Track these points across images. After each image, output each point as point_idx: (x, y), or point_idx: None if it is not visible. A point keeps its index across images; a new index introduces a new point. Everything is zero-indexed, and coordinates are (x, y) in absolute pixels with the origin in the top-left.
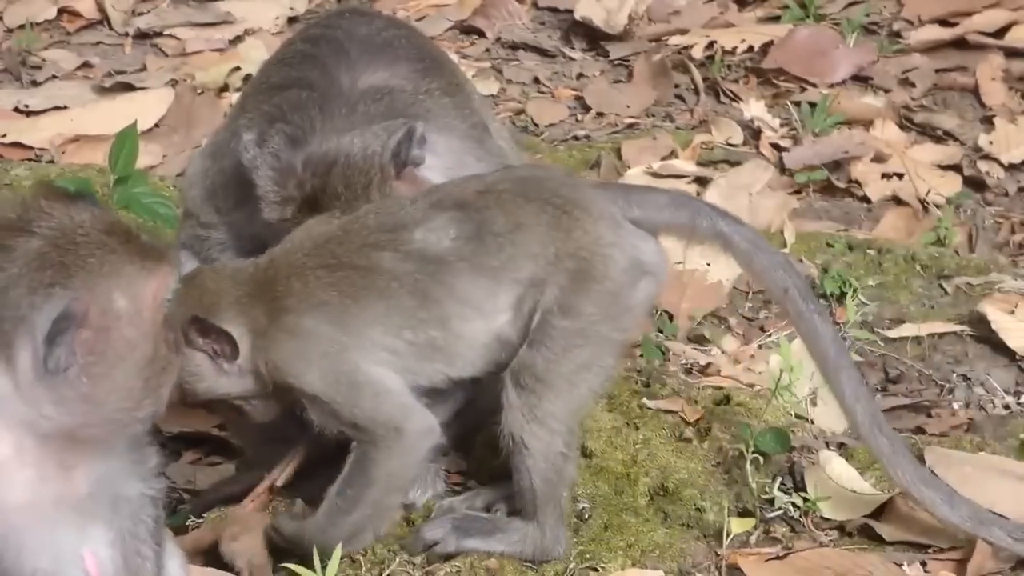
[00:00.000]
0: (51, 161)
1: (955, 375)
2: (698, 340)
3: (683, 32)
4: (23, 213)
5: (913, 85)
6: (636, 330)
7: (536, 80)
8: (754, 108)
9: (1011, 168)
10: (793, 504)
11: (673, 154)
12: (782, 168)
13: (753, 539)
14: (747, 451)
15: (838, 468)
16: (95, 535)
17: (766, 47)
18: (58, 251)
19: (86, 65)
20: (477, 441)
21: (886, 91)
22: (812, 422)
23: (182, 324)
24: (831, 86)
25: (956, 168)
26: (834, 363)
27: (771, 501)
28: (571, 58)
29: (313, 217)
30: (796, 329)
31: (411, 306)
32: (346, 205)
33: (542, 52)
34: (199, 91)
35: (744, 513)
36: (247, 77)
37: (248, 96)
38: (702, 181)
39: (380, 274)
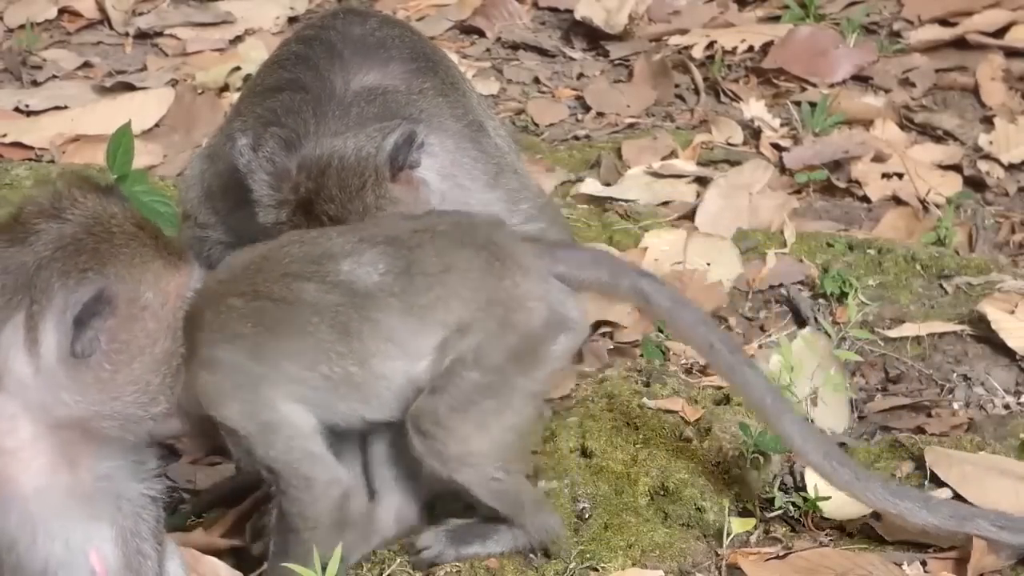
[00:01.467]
0: (51, 161)
1: (955, 375)
2: None
3: (683, 32)
4: (55, 200)
5: (913, 85)
6: (551, 383)
7: (536, 80)
8: (754, 108)
9: (1011, 168)
10: (793, 504)
11: (673, 154)
12: (782, 168)
13: (753, 539)
14: (747, 451)
15: None
16: (99, 532)
17: (766, 47)
18: (93, 238)
19: (86, 65)
20: None
21: (886, 91)
22: (812, 422)
23: None
24: (831, 86)
25: (956, 168)
26: (773, 409)
27: (771, 501)
28: (571, 58)
29: (307, 220)
30: (728, 382)
31: (330, 340)
32: (341, 207)
33: (542, 52)
34: (199, 91)
35: (744, 513)
36: (247, 77)
37: (244, 99)
38: (702, 181)
39: (300, 306)
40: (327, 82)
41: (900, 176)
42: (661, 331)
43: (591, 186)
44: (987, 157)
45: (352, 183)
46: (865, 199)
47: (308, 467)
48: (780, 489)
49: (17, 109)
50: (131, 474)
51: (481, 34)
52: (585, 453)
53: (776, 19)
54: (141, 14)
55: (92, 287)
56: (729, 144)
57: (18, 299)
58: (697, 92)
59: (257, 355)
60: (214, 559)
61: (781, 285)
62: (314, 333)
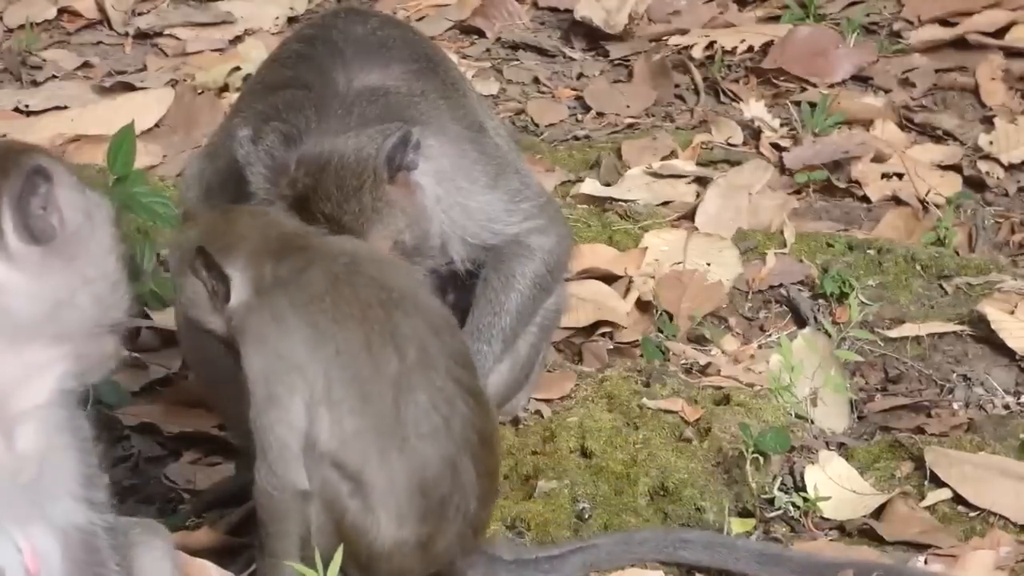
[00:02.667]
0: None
1: (955, 375)
2: (698, 340)
3: (683, 32)
4: None
5: (913, 85)
6: None
7: (536, 80)
8: (754, 108)
9: (1011, 168)
10: (793, 504)
11: (673, 154)
12: (782, 168)
13: (753, 539)
14: (747, 451)
15: (838, 468)
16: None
17: (766, 47)
18: (7, 147)
19: (86, 65)
20: None
21: (886, 91)
22: (812, 422)
23: (191, 249)
24: (831, 86)
25: (956, 168)
26: None
27: (771, 501)
28: (571, 58)
29: (302, 216)
30: None
31: (351, 392)
32: (337, 207)
33: (542, 52)
34: (199, 91)
35: (744, 513)
36: (247, 77)
37: (244, 96)
38: (702, 181)
39: (377, 362)
40: (330, 80)
41: (900, 176)
42: (661, 331)
43: (591, 186)
44: (987, 157)
45: (350, 183)
46: (865, 199)
47: (276, 455)
48: (780, 489)
49: (17, 109)
50: (78, 499)
51: (481, 34)
52: (585, 453)
53: (776, 19)
54: (141, 14)
55: (25, 169)
56: (729, 144)
57: None
58: (697, 92)
59: (313, 344)
60: (203, 561)
61: (781, 285)
62: (361, 377)
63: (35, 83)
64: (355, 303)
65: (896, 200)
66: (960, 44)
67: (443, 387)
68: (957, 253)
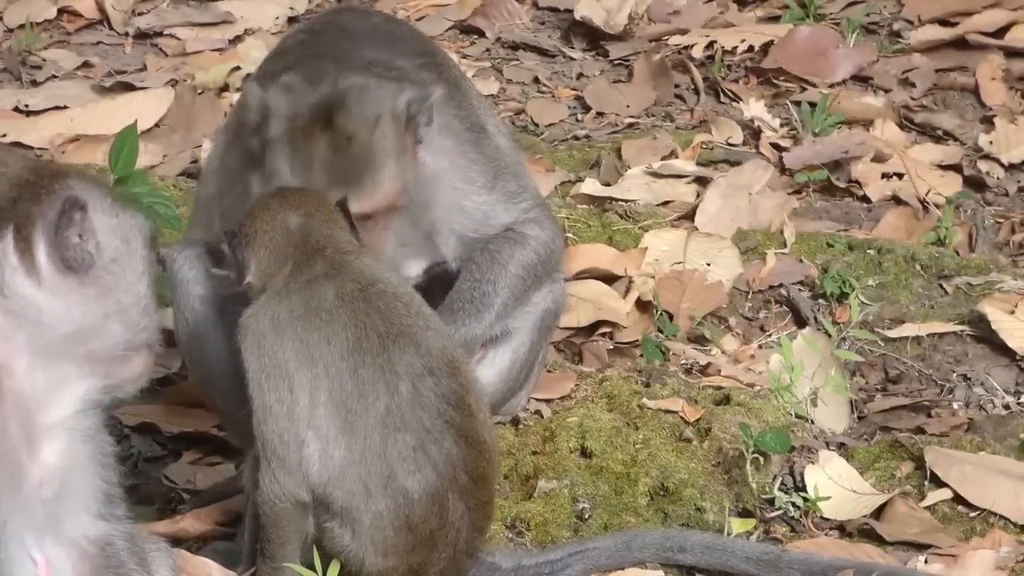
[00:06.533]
0: (51, 161)
1: (955, 375)
2: (698, 340)
3: (683, 32)
4: None
5: (913, 85)
6: None
7: (536, 80)
8: (754, 108)
9: (1011, 168)
10: (793, 504)
11: (673, 154)
12: (782, 168)
13: (753, 539)
14: (747, 451)
15: (838, 468)
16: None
17: (766, 47)
18: (41, 170)
19: (86, 65)
20: None
21: (886, 91)
22: (812, 422)
23: (234, 223)
24: (831, 86)
25: (956, 168)
26: None
27: (771, 501)
28: (571, 58)
29: (306, 143)
30: None
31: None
32: (346, 140)
33: (542, 52)
34: (199, 91)
35: (744, 513)
36: (247, 77)
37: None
38: (702, 181)
39: (369, 379)
40: (345, 50)
41: (900, 176)
42: (661, 331)
43: (591, 186)
44: (987, 157)
45: (370, 110)
46: (865, 199)
47: (278, 465)
48: (780, 489)
49: (17, 109)
50: (95, 513)
51: (481, 34)
52: (585, 453)
53: (776, 19)
54: (141, 14)
55: (60, 198)
56: (729, 144)
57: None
58: (697, 92)
59: (301, 359)
60: (205, 559)
61: (781, 285)
62: (352, 385)
63: (35, 83)
64: (352, 328)
65: (896, 200)
66: (960, 44)
67: (432, 427)
68: (957, 253)
